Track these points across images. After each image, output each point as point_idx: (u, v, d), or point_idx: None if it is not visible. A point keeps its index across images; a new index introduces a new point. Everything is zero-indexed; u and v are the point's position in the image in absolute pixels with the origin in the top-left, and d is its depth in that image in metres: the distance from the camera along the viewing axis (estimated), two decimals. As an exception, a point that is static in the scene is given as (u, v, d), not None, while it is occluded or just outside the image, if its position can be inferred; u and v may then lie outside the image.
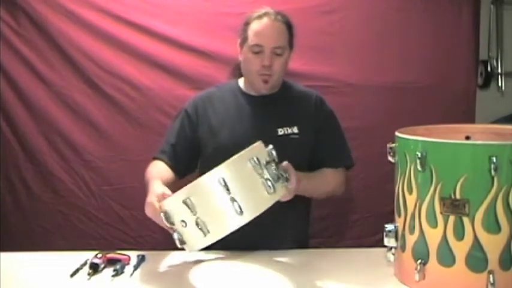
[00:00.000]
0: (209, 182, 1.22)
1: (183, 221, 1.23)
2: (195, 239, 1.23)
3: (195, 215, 1.20)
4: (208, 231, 1.20)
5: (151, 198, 1.35)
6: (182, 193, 1.23)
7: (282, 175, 1.31)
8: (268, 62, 1.61)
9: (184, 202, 1.21)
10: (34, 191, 2.29)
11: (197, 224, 1.20)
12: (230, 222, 1.20)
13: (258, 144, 1.30)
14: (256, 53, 1.62)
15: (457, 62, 2.30)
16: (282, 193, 1.30)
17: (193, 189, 1.23)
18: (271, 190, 1.25)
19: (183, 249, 1.27)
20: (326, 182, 1.66)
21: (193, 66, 2.24)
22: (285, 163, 1.36)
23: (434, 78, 2.29)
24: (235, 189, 1.21)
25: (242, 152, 1.26)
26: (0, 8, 2.21)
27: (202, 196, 1.21)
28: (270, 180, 1.25)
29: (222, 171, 1.21)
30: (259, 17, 1.64)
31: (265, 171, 1.26)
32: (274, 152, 1.30)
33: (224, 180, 1.20)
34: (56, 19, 2.21)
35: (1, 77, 2.24)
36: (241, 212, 1.19)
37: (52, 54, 2.24)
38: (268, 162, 1.28)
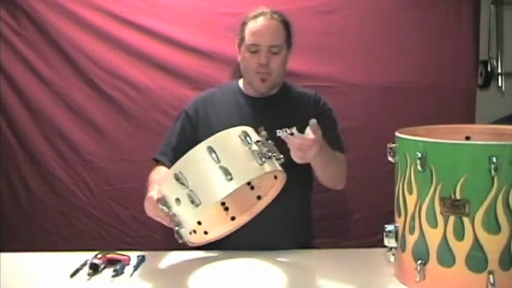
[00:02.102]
0: (198, 153, 1.25)
1: (177, 199, 1.25)
2: (188, 215, 1.24)
3: (187, 187, 1.22)
4: (200, 202, 1.21)
5: (151, 192, 1.36)
6: (173, 168, 1.27)
7: (274, 155, 1.31)
8: (265, 61, 1.62)
9: (176, 176, 1.24)
10: (34, 191, 2.28)
11: (189, 197, 1.22)
12: (220, 190, 1.22)
13: (248, 127, 1.33)
14: (253, 52, 1.63)
15: (457, 62, 2.29)
16: (272, 167, 1.30)
17: (183, 162, 1.26)
18: (260, 161, 1.26)
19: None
20: (336, 155, 1.62)
21: (194, 66, 2.24)
22: (312, 120, 1.33)
23: (434, 78, 2.28)
24: (224, 158, 1.23)
25: (231, 129, 1.30)
26: (0, 8, 2.21)
27: (192, 167, 1.25)
28: (259, 153, 1.27)
29: (209, 142, 1.26)
30: (255, 16, 1.65)
31: (254, 146, 1.28)
32: (265, 133, 1.32)
33: (212, 149, 1.24)
34: (56, 19, 2.21)
35: (1, 77, 2.23)
36: (231, 179, 1.21)
37: (52, 54, 2.23)
38: (258, 141, 1.30)
